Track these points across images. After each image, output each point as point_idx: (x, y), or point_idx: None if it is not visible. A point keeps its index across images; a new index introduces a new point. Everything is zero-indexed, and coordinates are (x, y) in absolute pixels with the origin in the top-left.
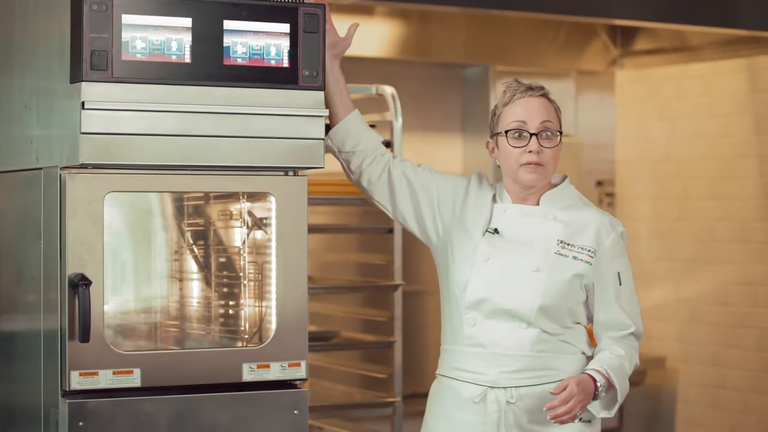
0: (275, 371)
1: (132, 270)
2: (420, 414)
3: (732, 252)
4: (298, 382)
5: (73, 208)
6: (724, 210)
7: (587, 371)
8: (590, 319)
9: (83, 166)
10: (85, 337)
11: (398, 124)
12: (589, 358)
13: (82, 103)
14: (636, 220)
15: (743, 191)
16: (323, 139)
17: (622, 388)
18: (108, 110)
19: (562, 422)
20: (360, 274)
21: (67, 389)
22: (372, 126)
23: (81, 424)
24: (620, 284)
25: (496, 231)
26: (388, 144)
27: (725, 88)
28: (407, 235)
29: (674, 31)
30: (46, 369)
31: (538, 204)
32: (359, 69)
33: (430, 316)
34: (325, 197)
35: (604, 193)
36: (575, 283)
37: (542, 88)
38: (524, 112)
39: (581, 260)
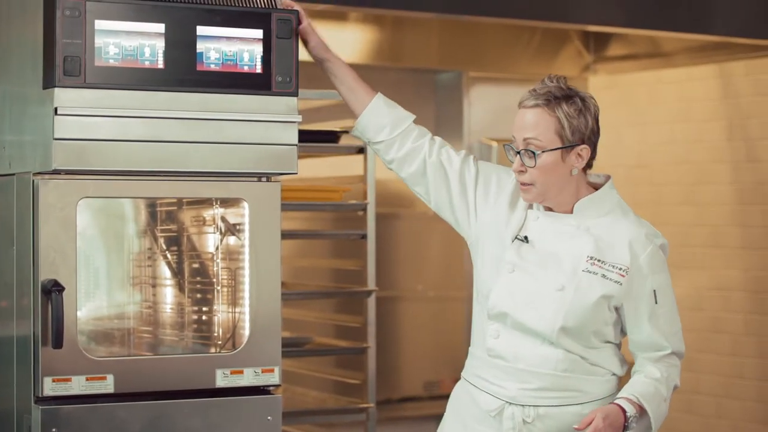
0: (248, 377)
1: (105, 276)
2: (394, 420)
3: (706, 257)
4: (271, 388)
5: (46, 214)
6: (697, 215)
7: (616, 401)
8: (624, 336)
9: (56, 172)
10: (58, 343)
11: None
12: (621, 378)
13: (55, 109)
14: None
15: (717, 197)
16: (296, 145)
17: (657, 415)
18: (81, 116)
19: None
20: (333, 280)
21: (40, 395)
22: (344, 132)
23: (54, 430)
24: (656, 302)
25: (525, 239)
26: (361, 150)
27: (698, 93)
28: (381, 240)
29: (647, 37)
30: (19, 375)
31: (572, 211)
32: None
33: (404, 322)
34: (298, 203)
35: None
36: (602, 305)
37: (546, 94)
38: (516, 126)
39: (611, 279)
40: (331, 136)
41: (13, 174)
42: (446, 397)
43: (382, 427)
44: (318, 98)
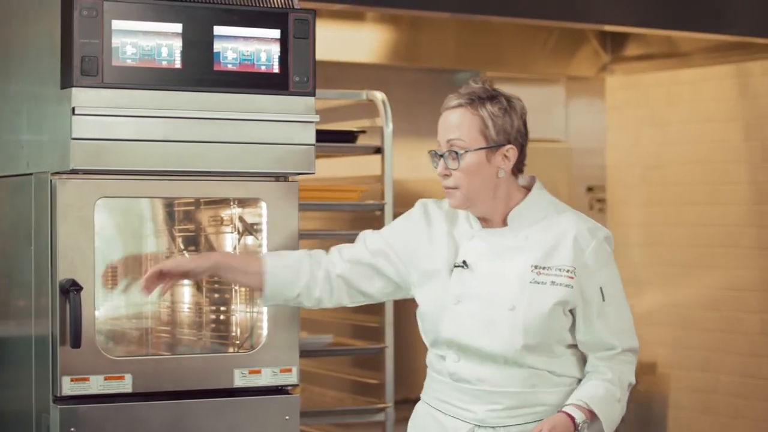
0: (266, 377)
1: (122, 275)
2: None
3: (723, 257)
4: (289, 388)
5: (64, 214)
6: (714, 215)
7: (565, 408)
8: None
9: (74, 172)
10: (76, 342)
11: (389, 129)
12: None
13: (73, 109)
14: (626, 225)
15: (733, 197)
16: (313, 145)
17: (609, 418)
18: (98, 116)
19: None
20: None
21: (59, 395)
22: (362, 131)
23: (72, 429)
24: (603, 299)
25: (464, 264)
26: (378, 149)
27: (715, 93)
28: None
29: (664, 37)
30: (38, 374)
31: (505, 223)
32: (349, 74)
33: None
34: (316, 203)
35: (594, 199)
36: (557, 312)
37: (469, 94)
38: (439, 129)
39: (560, 284)
40: (349, 136)
41: (31, 174)
42: None
43: (400, 427)
44: (335, 98)
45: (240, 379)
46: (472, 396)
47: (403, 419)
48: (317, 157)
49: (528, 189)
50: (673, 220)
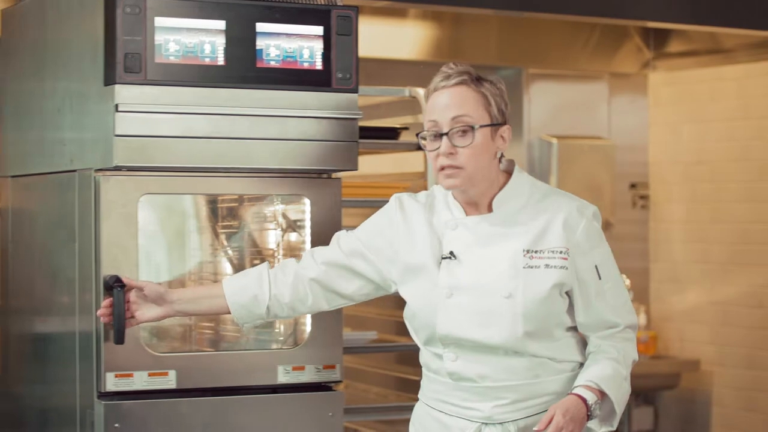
0: (310, 373)
1: (166, 272)
2: None
3: (765, 254)
4: (333, 385)
5: (108, 210)
6: (757, 212)
7: (574, 390)
8: None
9: (117, 169)
10: (120, 339)
11: None
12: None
13: (116, 106)
14: (669, 222)
15: None
16: (356, 142)
17: (619, 397)
18: (141, 113)
19: None
20: None
21: (103, 391)
22: (404, 128)
23: (117, 425)
24: (600, 278)
25: (452, 255)
26: (420, 147)
27: (759, 90)
28: None
29: (707, 33)
30: (82, 370)
31: (490, 209)
32: (392, 71)
33: None
34: (359, 199)
35: (637, 196)
36: (554, 295)
37: (463, 73)
38: (437, 108)
39: (555, 266)
40: (391, 133)
41: (75, 171)
42: None
43: None
44: (378, 94)
45: (283, 376)
46: (476, 394)
47: None
48: (360, 153)
49: (508, 173)
50: (716, 217)
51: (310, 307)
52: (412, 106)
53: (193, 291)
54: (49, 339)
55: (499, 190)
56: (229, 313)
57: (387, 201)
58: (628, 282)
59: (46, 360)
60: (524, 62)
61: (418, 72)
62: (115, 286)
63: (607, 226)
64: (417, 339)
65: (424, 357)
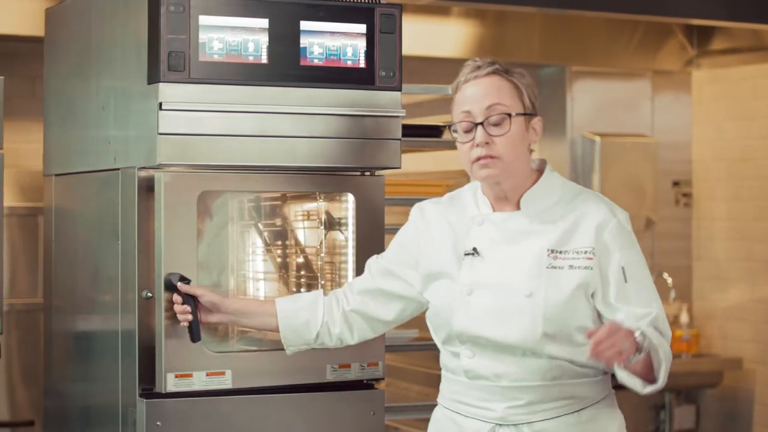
0: (355, 371)
1: (217, 270)
2: None
3: None
4: (375, 382)
5: (169, 207)
6: None
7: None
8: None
9: (160, 167)
10: (198, 336)
11: None
12: (612, 376)
13: (160, 104)
14: (712, 220)
15: None
16: (400, 140)
17: (662, 354)
18: (185, 111)
19: (609, 360)
20: None
21: (164, 391)
22: (448, 126)
23: (158, 423)
24: (625, 281)
25: (475, 251)
26: None
27: None
28: None
29: (751, 30)
30: (124, 369)
31: (518, 206)
32: (435, 69)
33: None
34: (402, 197)
35: (680, 193)
36: (578, 297)
37: (493, 64)
38: (469, 99)
39: (579, 267)
40: (435, 131)
41: (118, 169)
42: None
43: None
44: (421, 92)
45: (331, 374)
46: (491, 393)
47: None
48: (403, 151)
49: (540, 172)
50: (759, 215)
51: (357, 338)
52: None
53: (246, 304)
54: (91, 337)
55: (529, 187)
56: (277, 332)
57: (431, 198)
58: (669, 280)
59: (88, 358)
60: (567, 60)
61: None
62: (184, 279)
63: (649, 224)
64: (436, 338)
65: (443, 357)
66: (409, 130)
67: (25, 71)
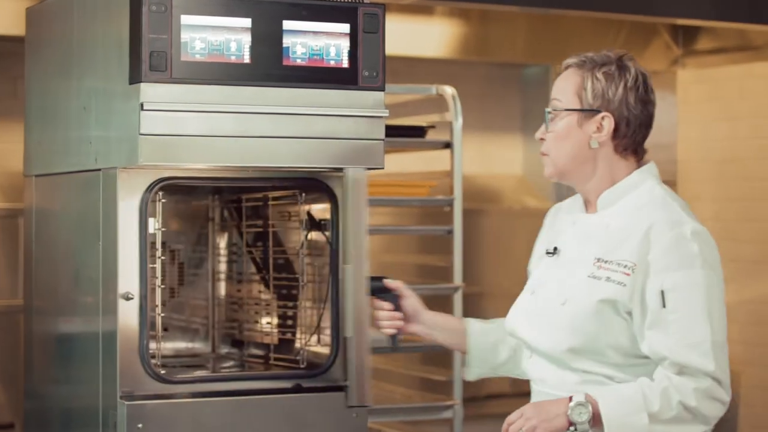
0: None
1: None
2: (480, 417)
3: None
4: None
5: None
6: None
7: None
8: None
9: (143, 167)
10: (397, 343)
11: (458, 124)
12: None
13: (141, 104)
14: (699, 221)
15: None
16: (383, 140)
17: (617, 424)
18: (167, 111)
19: None
20: (420, 276)
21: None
22: (431, 126)
23: (140, 425)
24: (664, 306)
25: (555, 250)
26: (448, 144)
27: None
28: (468, 236)
29: (737, 30)
30: (105, 371)
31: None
32: (419, 69)
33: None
34: (385, 198)
35: None
36: (607, 313)
37: (579, 57)
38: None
39: (614, 281)
40: (418, 131)
41: (100, 169)
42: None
43: (468, 424)
44: (405, 93)
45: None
46: (539, 397)
47: (471, 416)
48: (386, 152)
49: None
50: (746, 216)
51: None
52: (439, 104)
53: (441, 319)
54: (72, 339)
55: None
56: (465, 352)
57: (413, 200)
58: None
59: (69, 360)
60: (552, 60)
61: (444, 70)
62: (389, 290)
63: None
64: None
65: None
66: (393, 131)
67: (6, 71)
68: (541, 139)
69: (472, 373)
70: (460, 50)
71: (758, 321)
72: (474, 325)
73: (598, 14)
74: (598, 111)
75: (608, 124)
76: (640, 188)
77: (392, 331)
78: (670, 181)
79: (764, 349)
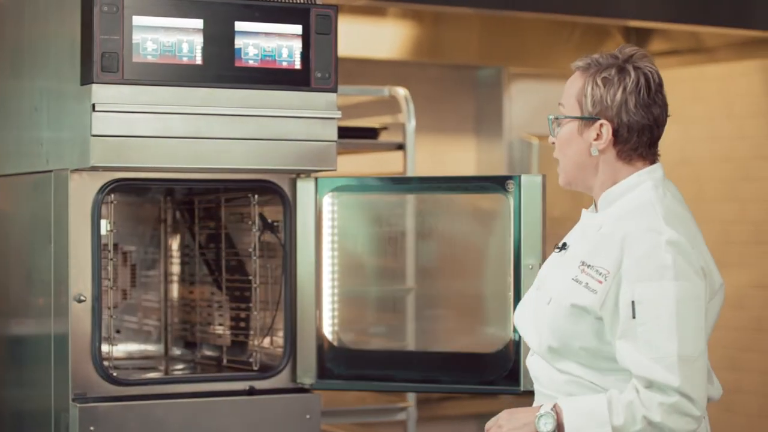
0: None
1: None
2: (434, 419)
3: (749, 255)
4: (309, 386)
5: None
6: (740, 212)
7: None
8: None
9: (94, 169)
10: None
11: (411, 126)
12: None
13: (93, 105)
14: None
15: (759, 193)
16: (335, 142)
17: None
18: (119, 112)
19: None
20: (372, 277)
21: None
22: (383, 128)
23: (92, 428)
24: (633, 317)
25: (564, 246)
26: (401, 146)
27: (741, 89)
28: (419, 238)
29: (689, 32)
30: (57, 373)
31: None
32: (371, 70)
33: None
34: None
35: None
36: (578, 317)
37: (586, 59)
38: None
39: (589, 288)
40: (371, 133)
41: (51, 171)
42: (488, 395)
43: (422, 426)
44: (357, 94)
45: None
46: (537, 394)
47: (424, 418)
48: (339, 153)
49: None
50: (698, 218)
51: None
52: (392, 105)
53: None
54: (24, 341)
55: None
56: None
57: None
58: None
59: (21, 362)
60: (505, 61)
61: (397, 71)
62: None
63: None
64: None
65: None
66: (345, 132)
67: None
68: (553, 143)
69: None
70: (413, 52)
71: (718, 325)
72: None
73: (552, 16)
74: (596, 118)
75: (607, 131)
76: (635, 191)
77: None
78: None
79: (716, 351)
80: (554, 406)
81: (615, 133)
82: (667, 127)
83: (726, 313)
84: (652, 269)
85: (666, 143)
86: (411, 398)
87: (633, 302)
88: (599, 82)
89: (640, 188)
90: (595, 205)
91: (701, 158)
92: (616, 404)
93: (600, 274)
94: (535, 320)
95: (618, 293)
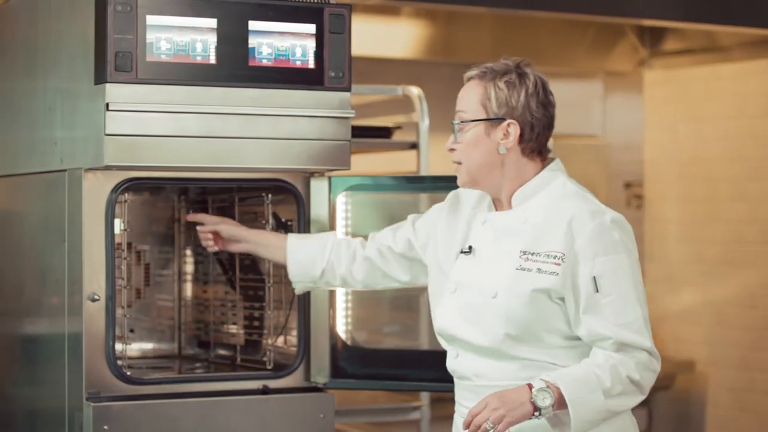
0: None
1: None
2: (447, 418)
3: (760, 254)
4: (322, 385)
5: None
6: (752, 212)
7: (530, 381)
8: None
9: (108, 168)
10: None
11: (425, 125)
12: None
13: (107, 105)
14: (664, 222)
15: None
16: (349, 141)
17: (580, 402)
18: (132, 111)
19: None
20: None
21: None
22: (397, 127)
23: (105, 427)
24: (596, 291)
25: (470, 250)
26: (414, 145)
27: (754, 89)
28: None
29: (703, 31)
30: (71, 372)
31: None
32: (385, 70)
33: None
34: None
35: (632, 195)
36: (541, 301)
37: (481, 68)
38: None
39: (546, 272)
40: (384, 132)
41: (65, 170)
42: None
43: (435, 426)
44: (371, 93)
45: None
46: (474, 393)
47: (438, 418)
48: (353, 152)
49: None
50: (711, 217)
51: (361, 284)
52: (405, 104)
53: (263, 236)
54: (38, 340)
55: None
56: (285, 265)
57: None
58: None
59: (34, 362)
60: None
61: (411, 71)
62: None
63: None
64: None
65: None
66: (359, 131)
67: None
68: (451, 149)
69: (297, 287)
70: (426, 51)
71: (721, 322)
72: (293, 240)
73: (565, 15)
74: (503, 119)
75: (514, 130)
76: (552, 184)
77: (212, 245)
78: (636, 182)
79: (729, 350)
80: (546, 381)
81: (521, 131)
82: (680, 126)
83: (738, 313)
84: (605, 245)
85: (679, 142)
86: (425, 397)
87: (594, 277)
88: (501, 85)
89: (556, 181)
90: (495, 205)
91: (714, 158)
92: (599, 370)
93: (555, 257)
94: (477, 317)
95: (576, 272)
